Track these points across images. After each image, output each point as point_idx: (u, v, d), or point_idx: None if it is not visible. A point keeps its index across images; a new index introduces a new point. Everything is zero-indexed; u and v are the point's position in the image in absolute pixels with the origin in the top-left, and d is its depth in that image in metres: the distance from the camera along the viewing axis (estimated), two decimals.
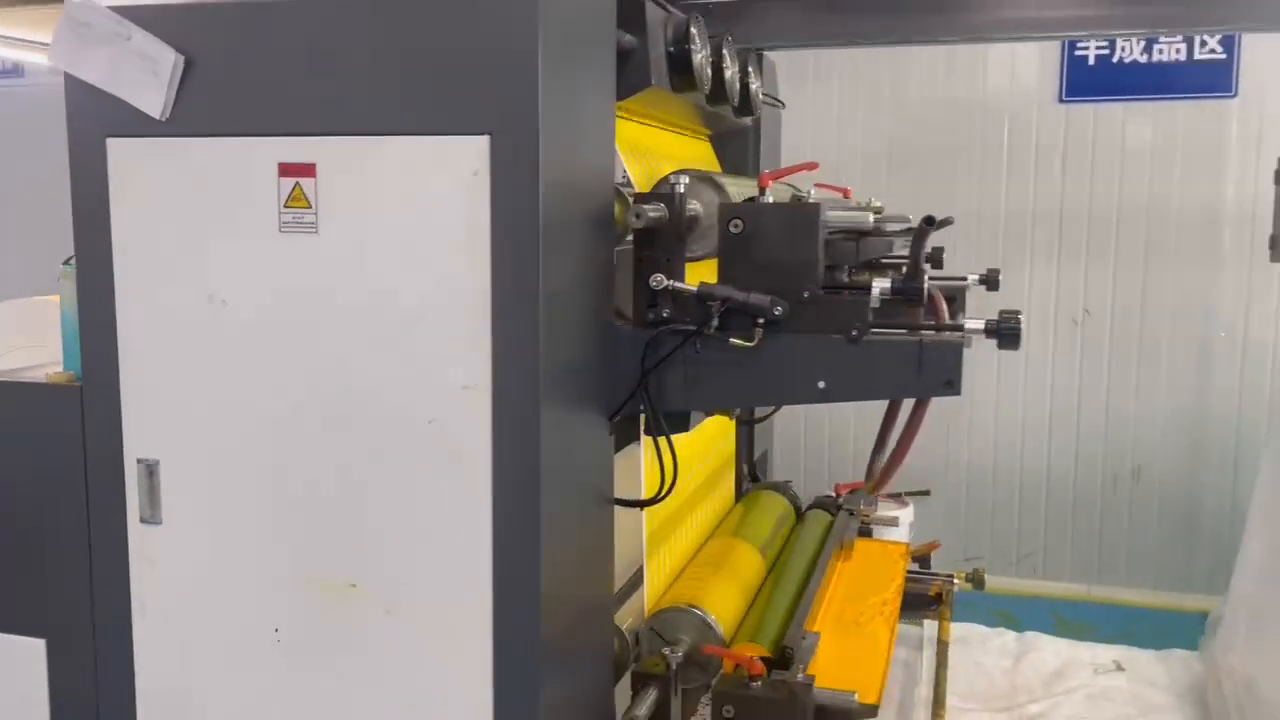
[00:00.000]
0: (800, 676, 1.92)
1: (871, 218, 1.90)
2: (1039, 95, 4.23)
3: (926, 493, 4.67)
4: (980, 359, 4.31)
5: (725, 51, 2.36)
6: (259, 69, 1.60)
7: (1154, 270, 4.20)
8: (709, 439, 2.66)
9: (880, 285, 1.74)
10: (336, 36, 1.56)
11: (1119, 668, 3.03)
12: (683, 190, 1.81)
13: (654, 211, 1.75)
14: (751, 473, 3.22)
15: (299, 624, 1.69)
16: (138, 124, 1.64)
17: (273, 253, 1.61)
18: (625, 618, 2.13)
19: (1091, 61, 4.14)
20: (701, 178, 1.96)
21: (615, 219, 1.78)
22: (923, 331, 1.73)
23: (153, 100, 1.63)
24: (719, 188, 1.92)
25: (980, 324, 1.72)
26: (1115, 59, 4.10)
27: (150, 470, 1.73)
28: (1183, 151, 4.10)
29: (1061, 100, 4.20)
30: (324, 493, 1.65)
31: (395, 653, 1.64)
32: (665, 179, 1.86)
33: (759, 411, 3.10)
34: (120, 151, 1.67)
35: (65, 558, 1.82)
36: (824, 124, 4.58)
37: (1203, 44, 3.96)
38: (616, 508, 1.88)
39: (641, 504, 1.92)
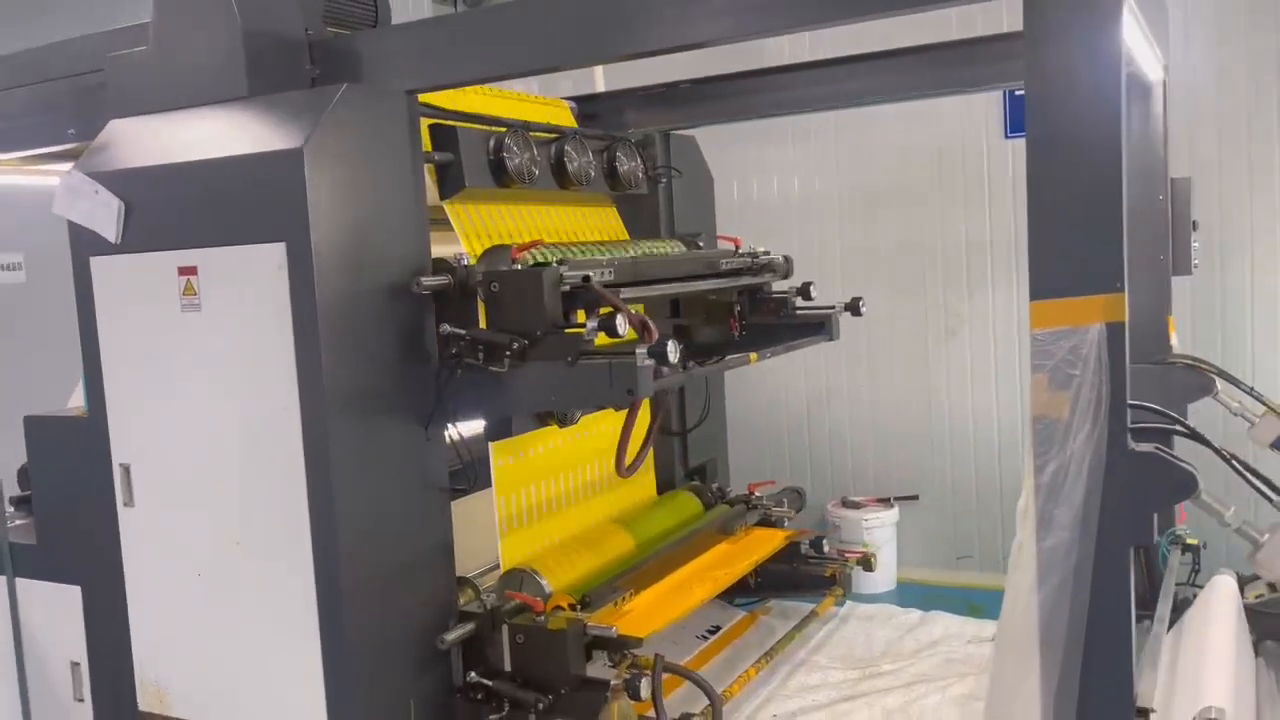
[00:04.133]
0: (578, 614, 2.59)
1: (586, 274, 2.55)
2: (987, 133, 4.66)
3: (915, 497, 5.11)
4: (958, 380, 4.93)
5: (569, 148, 3.08)
6: (162, 209, 2.49)
7: None
8: (597, 451, 3.32)
9: (591, 324, 2.40)
10: (201, 189, 2.42)
11: (992, 640, 3.40)
12: (465, 262, 2.55)
13: (434, 281, 2.49)
14: (690, 476, 3.85)
15: (210, 567, 2.53)
16: (106, 246, 2.56)
17: (178, 325, 2.48)
18: (490, 580, 2.86)
19: None
20: (499, 251, 2.69)
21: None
22: (612, 358, 2.37)
23: (110, 231, 2.54)
24: (506, 259, 2.64)
25: (645, 349, 2.34)
26: None
27: (126, 470, 2.64)
28: None
29: (1007, 137, 4.62)
30: (223, 483, 2.49)
31: (262, 584, 2.46)
32: (454, 256, 2.61)
33: (690, 424, 3.76)
34: (98, 264, 2.60)
35: (93, 528, 2.74)
36: (806, 173, 5.18)
37: None
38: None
39: (454, 492, 2.65)
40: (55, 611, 2.85)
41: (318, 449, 2.34)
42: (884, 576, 4.87)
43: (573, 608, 2.69)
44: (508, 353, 2.42)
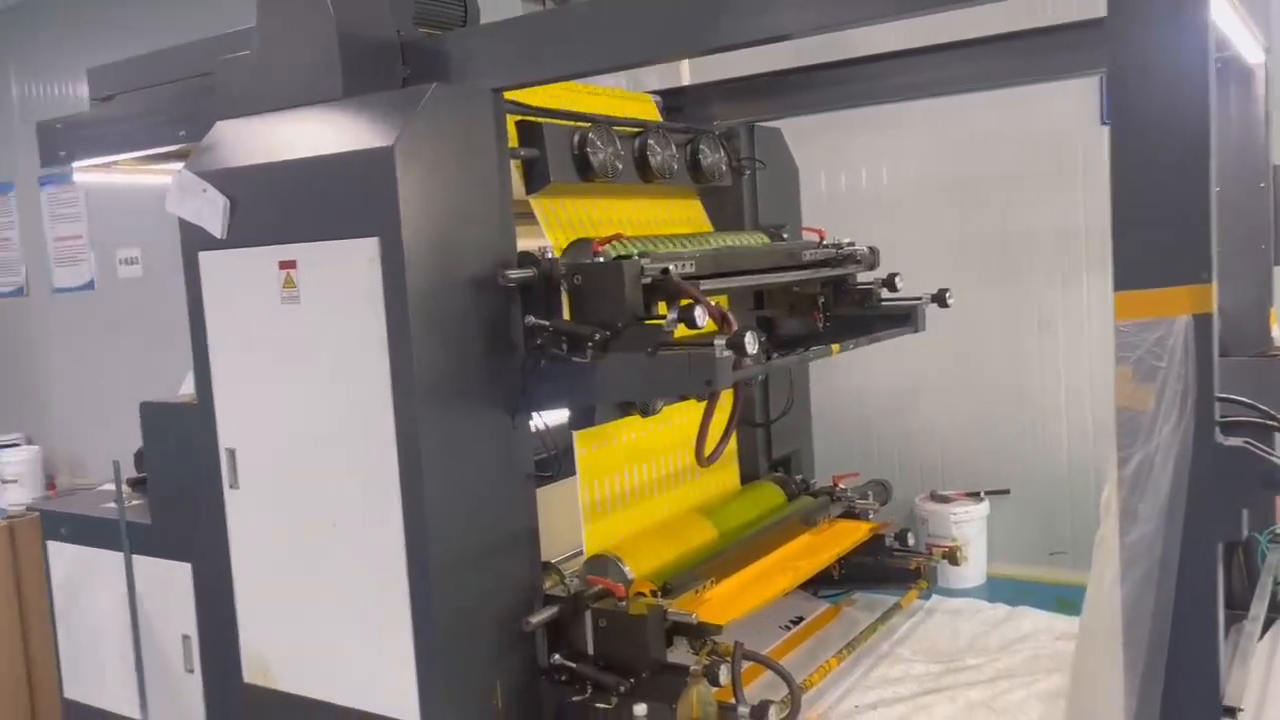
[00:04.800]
0: (658, 600, 2.64)
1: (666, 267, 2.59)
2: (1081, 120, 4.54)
3: (1006, 491, 5.03)
4: (1051, 373, 4.83)
5: (652, 142, 3.13)
6: (263, 206, 2.61)
7: None
8: (680, 441, 3.36)
9: (670, 315, 2.45)
10: (299, 186, 2.54)
11: None
12: (549, 255, 2.62)
13: (519, 274, 2.57)
14: (774, 468, 3.86)
15: (307, 547, 2.66)
16: (213, 241, 2.71)
17: (279, 316, 2.61)
18: (575, 565, 2.93)
19: None
20: (583, 244, 2.75)
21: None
22: (691, 349, 2.41)
23: (217, 227, 2.68)
24: (589, 252, 2.69)
25: (723, 340, 2.37)
26: None
27: (232, 454, 2.78)
28: None
29: (1103, 123, 4.49)
30: (319, 467, 2.61)
31: (355, 564, 2.57)
32: (539, 249, 2.67)
33: (774, 415, 3.78)
34: (205, 259, 2.75)
35: (202, 508, 2.89)
36: (895, 163, 5.13)
37: None
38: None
39: (539, 479, 2.72)
40: (168, 587, 3.02)
41: (408, 435, 2.43)
42: (973, 571, 4.80)
43: (654, 594, 2.74)
44: (590, 344, 2.48)
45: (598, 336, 2.47)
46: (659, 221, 3.34)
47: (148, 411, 3.05)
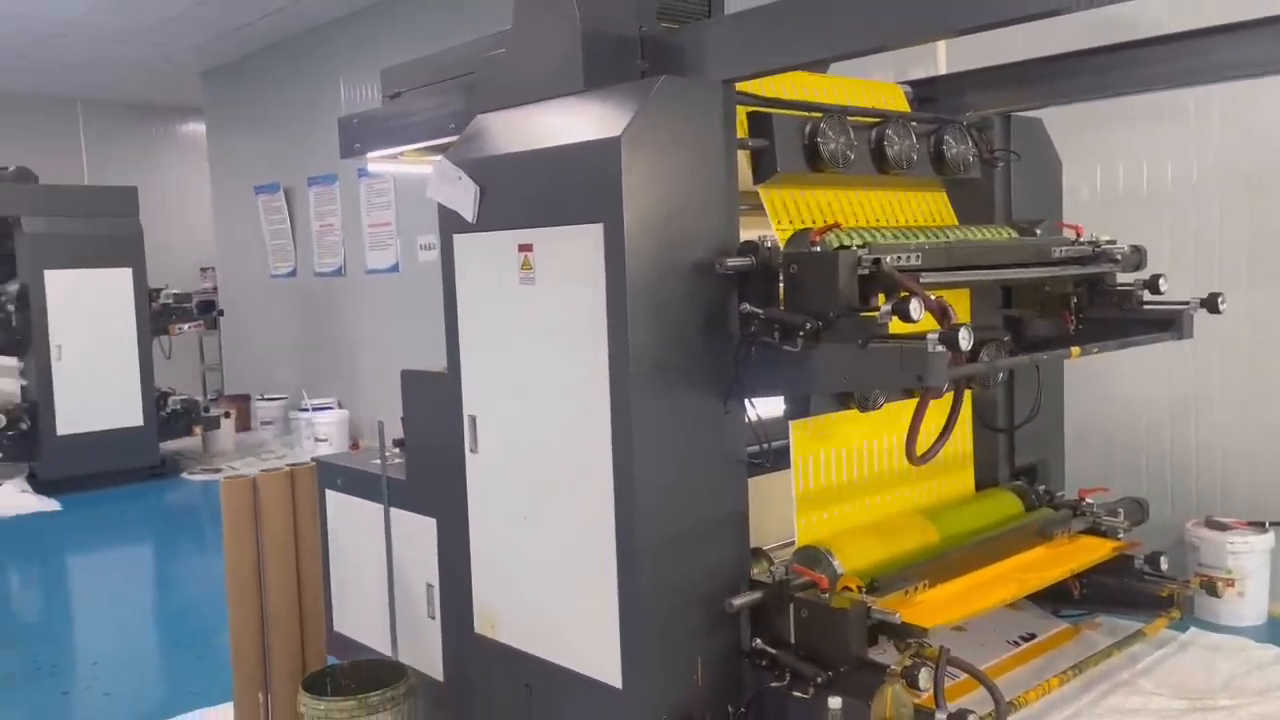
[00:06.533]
0: (863, 596, 2.61)
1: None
2: None
3: None
4: None
5: (891, 132, 3.07)
6: (507, 193, 2.82)
7: None
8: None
9: (885, 307, 2.41)
10: (537, 175, 2.72)
11: None
12: (768, 245, 2.65)
13: (737, 261, 2.61)
14: (1016, 476, 3.67)
15: (532, 511, 2.85)
16: (465, 225, 2.95)
17: (517, 296, 2.81)
18: (786, 555, 2.95)
19: None
20: (806, 234, 2.75)
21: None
22: (904, 342, 2.36)
23: (468, 212, 2.92)
24: (808, 242, 2.69)
25: (935, 335, 2.30)
26: None
27: (473, 421, 3.02)
28: None
29: None
30: (545, 438, 2.79)
31: (571, 533, 2.72)
32: (759, 237, 2.70)
33: (1018, 420, 3.60)
34: (458, 241, 3.00)
35: (447, 469, 3.16)
36: (1182, 156, 4.68)
37: None
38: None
39: (754, 468, 2.75)
40: (417, 538, 3.33)
41: (622, 414, 2.55)
42: (1251, 609, 4.33)
43: (860, 590, 2.70)
44: (801, 333, 2.49)
45: (809, 326, 2.47)
46: (895, 214, 3.26)
47: (407, 379, 3.37)
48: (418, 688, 3.22)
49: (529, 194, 2.77)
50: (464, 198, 2.93)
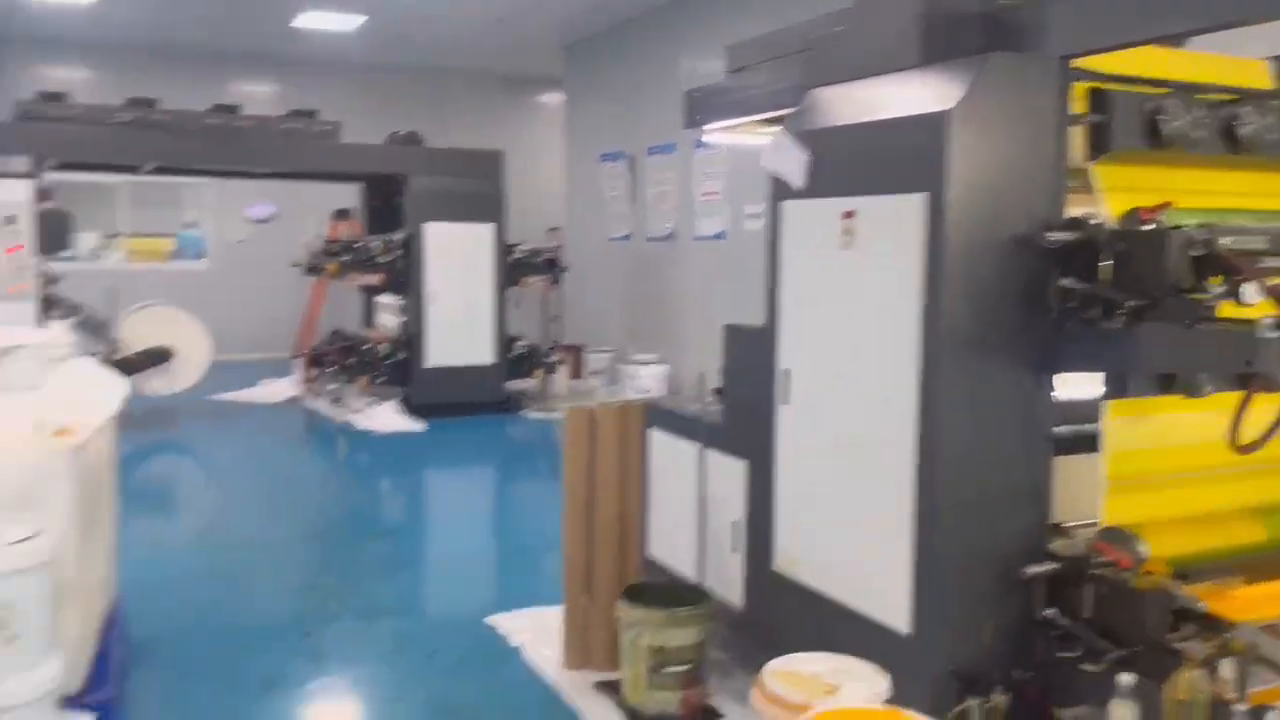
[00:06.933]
0: (1166, 580, 2.57)
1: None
2: None
3: None
4: None
5: (1244, 112, 2.93)
6: (834, 162, 3.00)
7: None
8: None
9: (1217, 290, 2.36)
10: (863, 146, 2.88)
11: None
12: (1096, 221, 2.65)
13: (1061, 236, 2.64)
14: None
15: (835, 464, 3.04)
16: (793, 192, 3.17)
17: (836, 259, 2.99)
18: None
19: None
20: (1133, 212, 2.71)
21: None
22: (1233, 325, 2.30)
23: (798, 180, 3.14)
24: (1138, 220, 2.66)
25: (1272, 319, 2.23)
26: None
27: (787, 374, 3.26)
28: None
29: None
30: (853, 395, 2.98)
31: (872, 487, 2.89)
32: (1086, 215, 2.70)
33: None
34: (786, 207, 3.23)
35: (760, 417, 3.43)
36: None
37: None
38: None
39: (1061, 442, 2.78)
40: (728, 479, 3.62)
41: (930, 379, 2.68)
42: None
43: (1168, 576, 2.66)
44: (1122, 310, 2.49)
45: (1132, 303, 2.47)
46: (1247, 195, 3.10)
47: (728, 333, 3.65)
48: (718, 611, 3.53)
49: (856, 163, 2.94)
50: (795, 166, 3.15)
